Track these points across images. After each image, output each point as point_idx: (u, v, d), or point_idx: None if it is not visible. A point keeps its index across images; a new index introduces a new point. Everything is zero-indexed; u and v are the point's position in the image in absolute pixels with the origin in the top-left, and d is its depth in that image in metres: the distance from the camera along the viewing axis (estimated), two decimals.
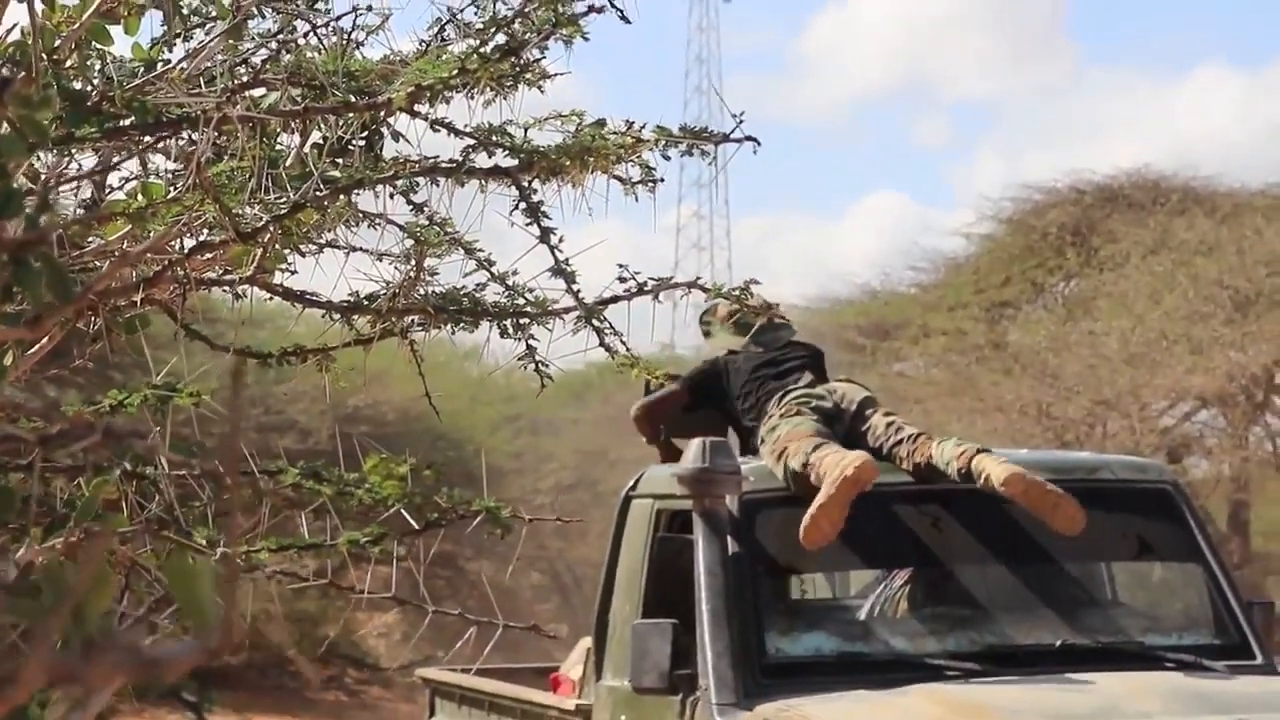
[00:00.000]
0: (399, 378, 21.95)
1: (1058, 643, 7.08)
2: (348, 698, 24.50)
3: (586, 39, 3.89)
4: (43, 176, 3.56)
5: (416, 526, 4.03)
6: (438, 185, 4.33)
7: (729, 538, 7.05)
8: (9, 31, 3.62)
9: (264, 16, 4.25)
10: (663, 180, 4.45)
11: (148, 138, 3.79)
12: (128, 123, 3.67)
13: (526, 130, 4.32)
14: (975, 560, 7.25)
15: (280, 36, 4.17)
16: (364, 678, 25.18)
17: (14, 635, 2.00)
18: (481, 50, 3.86)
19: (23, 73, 3.54)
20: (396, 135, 4.21)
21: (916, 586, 7.47)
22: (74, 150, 3.76)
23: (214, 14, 4.26)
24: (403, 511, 3.98)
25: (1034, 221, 23.91)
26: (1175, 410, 21.45)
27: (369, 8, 4.01)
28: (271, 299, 4.37)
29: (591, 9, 3.85)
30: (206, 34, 4.19)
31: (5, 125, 2.34)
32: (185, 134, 3.81)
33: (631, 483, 7.78)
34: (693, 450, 7.11)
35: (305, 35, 4.08)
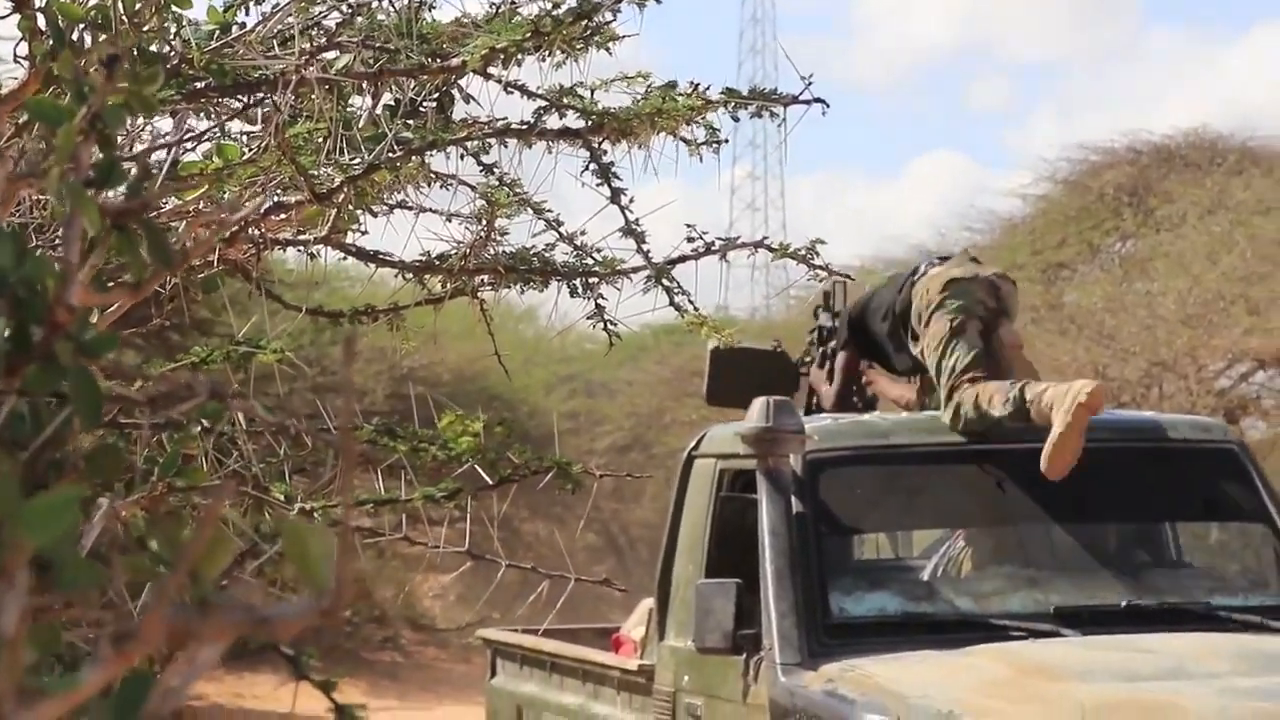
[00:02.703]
0: (453, 338, 22.01)
1: (1123, 603, 7.05)
2: (404, 659, 24.61)
3: (659, 2, 3.93)
4: (141, 144, 3.62)
5: (490, 482, 4.09)
6: (506, 146, 4.38)
7: (793, 497, 7.04)
8: None
9: None
10: (726, 141, 4.49)
11: (226, 99, 3.84)
12: (206, 85, 3.72)
13: (593, 91, 4.36)
14: (1039, 520, 7.23)
15: (351, 0, 4.22)
16: (420, 639, 25.28)
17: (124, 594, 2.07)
18: (554, 14, 3.91)
19: (104, 36, 3.60)
20: (467, 97, 4.26)
21: (980, 547, 7.48)
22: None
23: None
24: (476, 468, 4.04)
25: (1090, 182, 23.82)
26: (1232, 371, 21.36)
27: None
28: (345, 258, 4.43)
29: None
30: None
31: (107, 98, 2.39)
32: (262, 95, 3.86)
33: (694, 442, 7.77)
34: (756, 409, 7.10)
35: (379, 1, 4.12)
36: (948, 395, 7.25)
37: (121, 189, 2.17)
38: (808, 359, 8.27)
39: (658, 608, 7.71)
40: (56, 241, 3.74)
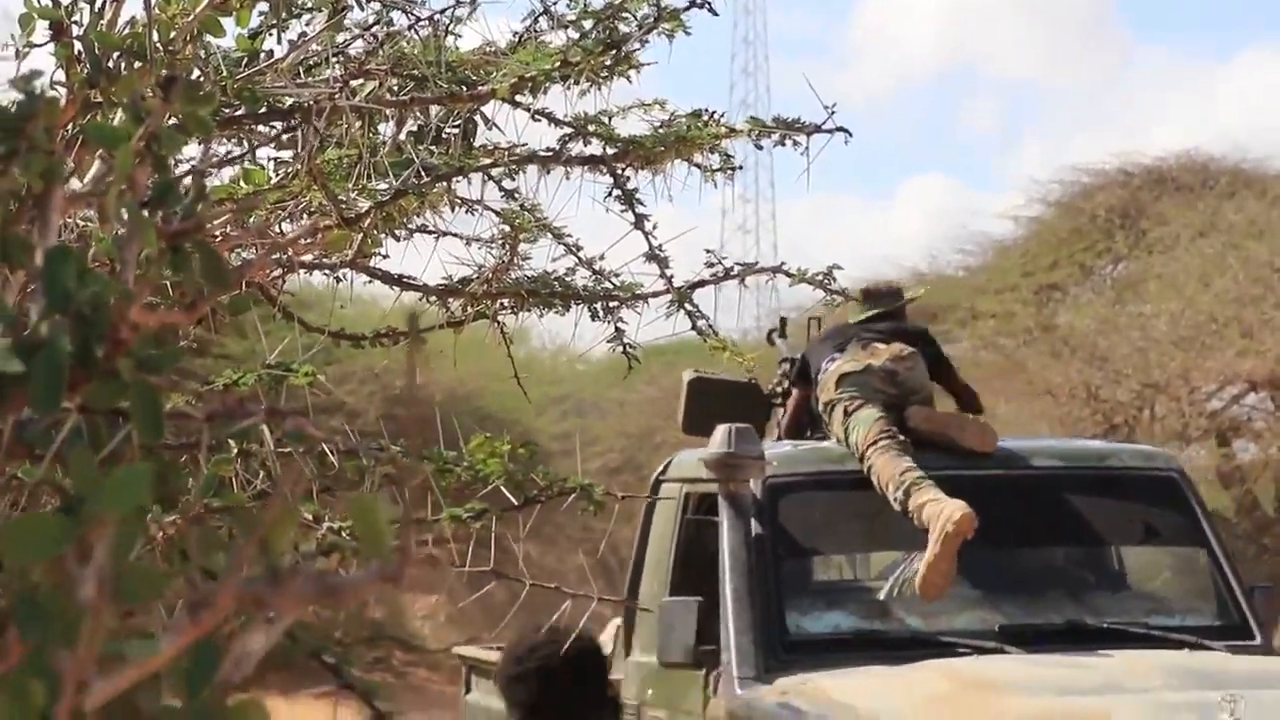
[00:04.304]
0: (447, 359, 21.98)
1: (1065, 623, 7.37)
2: (394, 679, 24.61)
3: (689, 33, 4.00)
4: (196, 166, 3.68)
5: (516, 503, 4.15)
6: (526, 172, 4.45)
7: (752, 520, 7.36)
8: (128, 23, 3.74)
9: (361, 8, 4.36)
10: (741, 167, 4.56)
11: (260, 126, 3.91)
12: (240, 112, 3.79)
13: (610, 119, 4.43)
14: (989, 544, 7.45)
15: (378, 28, 4.28)
16: (411, 659, 25.27)
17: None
18: (584, 44, 3.97)
19: (139, 63, 3.67)
20: (490, 123, 4.33)
21: None
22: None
23: (311, 5, 4.38)
24: (502, 489, 4.10)
25: (1082, 204, 23.88)
26: (1224, 393, 21.42)
27: (470, 1, 4.13)
28: (370, 281, 4.49)
29: (693, 4, 3.96)
30: (305, 25, 4.31)
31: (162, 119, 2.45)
32: (296, 122, 3.92)
33: (662, 467, 8.15)
34: (719, 435, 7.40)
35: (407, 29, 4.19)
36: (861, 465, 7.52)
37: (175, 209, 2.23)
38: (779, 389, 8.50)
39: (625, 624, 8.07)
40: (94, 261, 3.80)
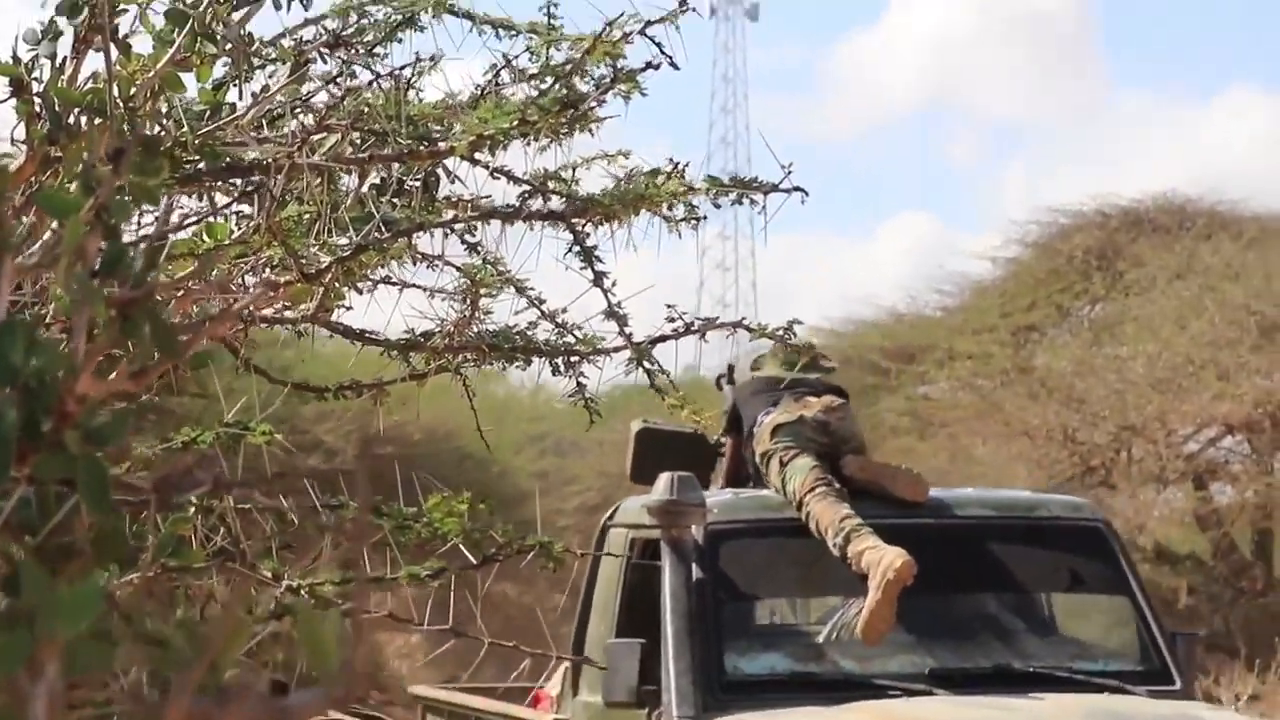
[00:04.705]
0: (425, 398, 21.93)
1: (992, 666, 7.68)
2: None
3: (644, 95, 4.02)
4: (144, 234, 3.68)
5: (474, 561, 4.15)
6: (490, 226, 4.45)
7: (694, 565, 7.66)
8: (89, 79, 3.75)
9: (325, 61, 4.37)
10: (705, 218, 4.57)
11: (220, 183, 3.91)
12: (198, 169, 3.79)
13: (575, 170, 4.44)
14: (922, 590, 7.67)
15: (340, 81, 4.29)
16: (387, 699, 25.17)
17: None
18: (541, 102, 3.98)
19: (99, 119, 3.67)
20: (453, 177, 4.33)
21: None
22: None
23: (274, 56, 4.39)
24: (461, 548, 4.10)
25: (1059, 245, 23.95)
26: (1201, 436, 21.47)
27: (431, 58, 4.14)
28: (332, 336, 4.49)
29: (649, 65, 3.98)
30: (268, 77, 4.32)
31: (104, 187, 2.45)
32: (255, 180, 3.93)
33: (609, 513, 8.42)
34: (661, 483, 7.69)
35: (368, 85, 4.19)
36: (799, 513, 7.79)
37: (126, 277, 2.24)
38: (722, 439, 8.71)
39: (572, 665, 8.32)
40: (50, 321, 3.80)
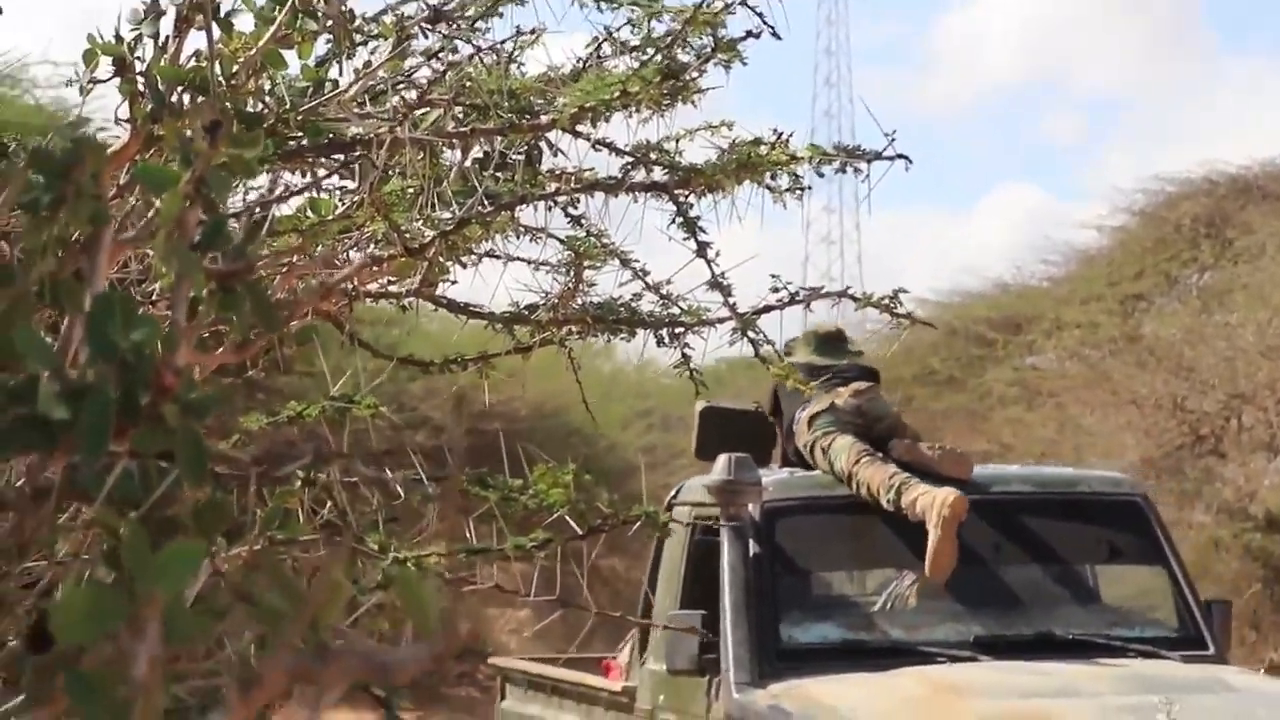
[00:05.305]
0: (532, 375, 21.97)
1: (1034, 634, 8.11)
2: (480, 694, 24.64)
3: (745, 64, 4.00)
4: (246, 207, 3.70)
5: (580, 532, 4.16)
6: (593, 198, 4.45)
7: (750, 540, 8.12)
8: (191, 57, 3.76)
9: (426, 36, 4.37)
10: (810, 188, 4.55)
11: (322, 158, 3.92)
12: (301, 144, 3.80)
13: (678, 142, 4.42)
14: (971, 562, 8.17)
15: (441, 56, 4.29)
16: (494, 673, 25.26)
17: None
18: (642, 73, 3.97)
19: (203, 98, 3.68)
20: (555, 150, 4.33)
21: (921, 584, 8.43)
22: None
23: (376, 33, 4.40)
24: (567, 518, 4.11)
25: (1166, 213, 23.70)
26: None
27: (532, 31, 4.13)
28: (436, 310, 4.50)
29: (749, 34, 3.96)
30: (370, 53, 4.32)
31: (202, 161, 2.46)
32: (357, 154, 3.93)
33: (674, 492, 8.88)
34: (720, 464, 8.10)
35: (470, 59, 4.19)
36: (850, 486, 8.28)
37: (226, 249, 2.25)
38: (772, 418, 9.21)
39: (640, 636, 8.73)
40: (154, 296, 3.82)
